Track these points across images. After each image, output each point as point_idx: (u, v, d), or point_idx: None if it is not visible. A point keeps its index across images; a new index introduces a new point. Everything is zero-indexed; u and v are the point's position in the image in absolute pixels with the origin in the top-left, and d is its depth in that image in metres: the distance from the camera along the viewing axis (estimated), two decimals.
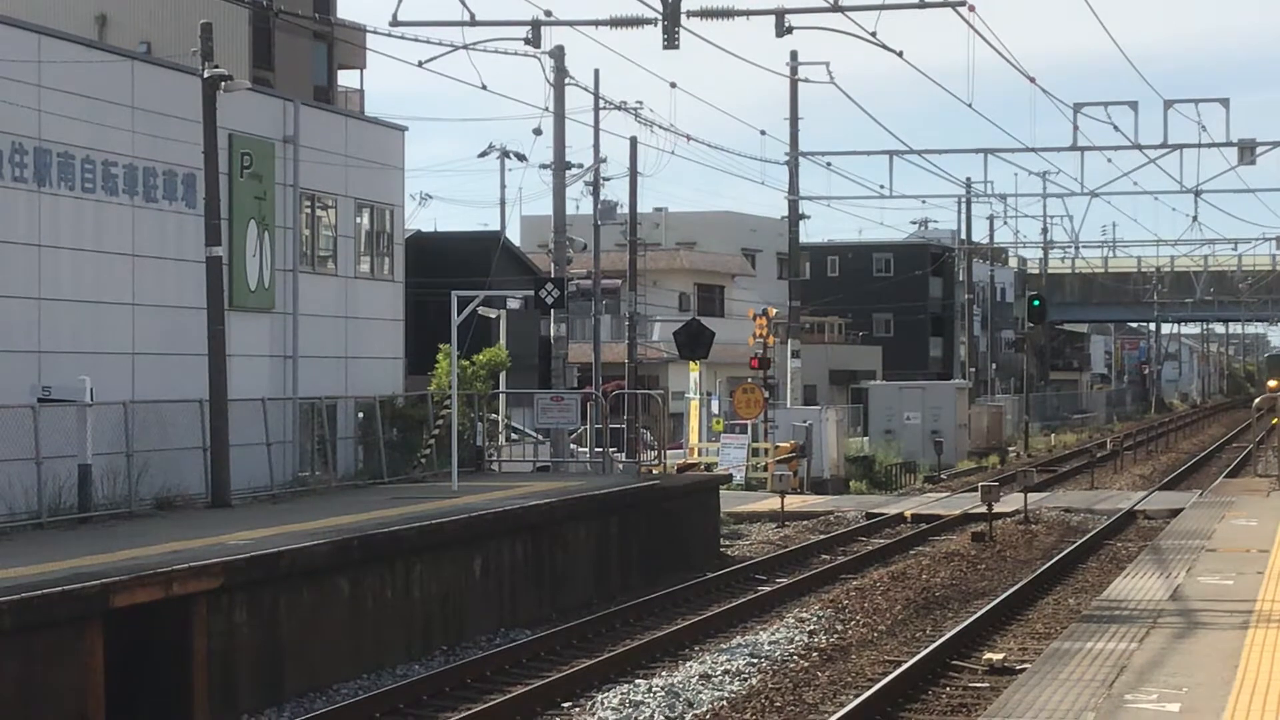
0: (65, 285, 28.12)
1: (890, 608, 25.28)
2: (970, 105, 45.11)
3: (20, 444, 24.12)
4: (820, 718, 17.58)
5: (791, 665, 20.95)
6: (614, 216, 65.48)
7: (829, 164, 57.40)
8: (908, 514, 38.92)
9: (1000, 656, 20.72)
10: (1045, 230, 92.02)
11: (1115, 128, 48.60)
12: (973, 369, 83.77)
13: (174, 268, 30.27)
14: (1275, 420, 48.05)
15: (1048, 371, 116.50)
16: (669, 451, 44.52)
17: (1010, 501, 38.26)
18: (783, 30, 31.76)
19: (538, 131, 54.27)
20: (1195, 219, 77.67)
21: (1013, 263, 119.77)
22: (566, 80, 43.05)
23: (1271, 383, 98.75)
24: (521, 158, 72.02)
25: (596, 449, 40.36)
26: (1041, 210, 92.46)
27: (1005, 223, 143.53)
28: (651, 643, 22.93)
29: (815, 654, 21.69)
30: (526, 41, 37.86)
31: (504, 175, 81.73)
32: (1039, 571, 28.42)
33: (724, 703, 18.70)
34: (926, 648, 21.14)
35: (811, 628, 23.52)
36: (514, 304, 53.24)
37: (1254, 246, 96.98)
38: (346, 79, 63.74)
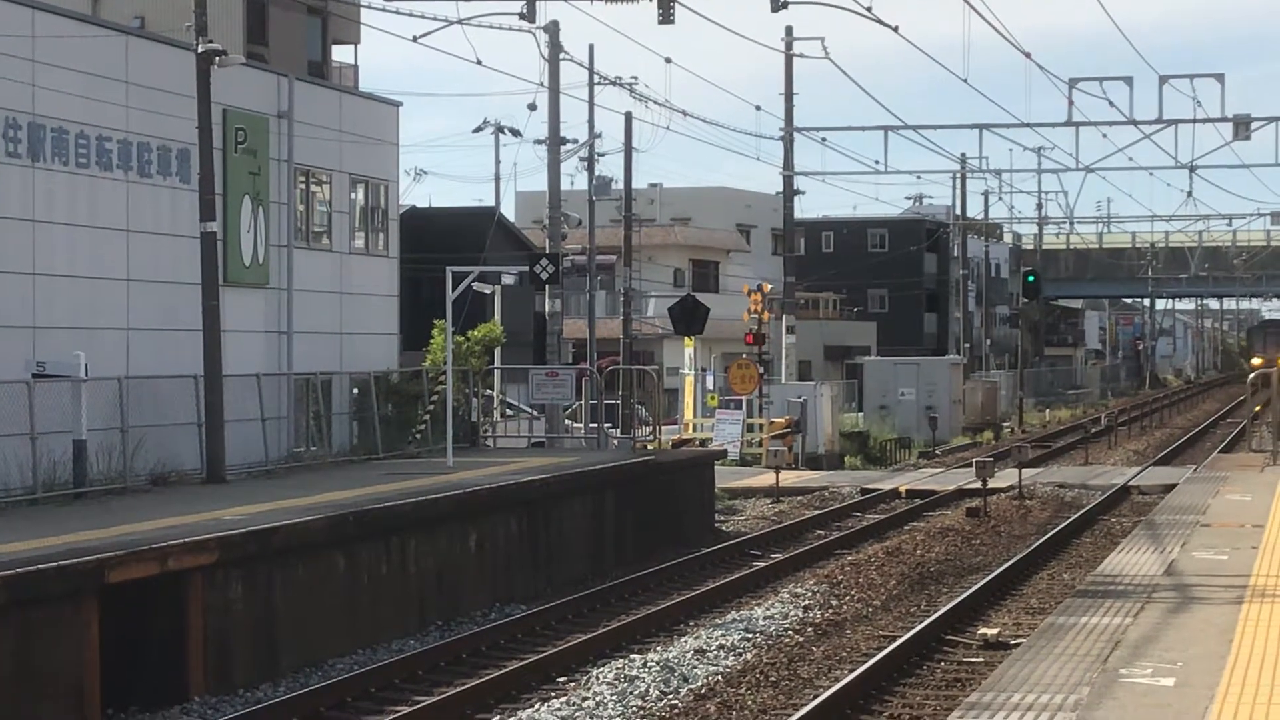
0: (60, 261, 28.08)
1: (885, 583, 25.31)
2: (965, 81, 45.04)
3: (15, 419, 24.10)
4: (815, 692, 17.61)
5: (786, 640, 20.98)
6: (609, 192, 65.43)
7: (824, 139, 57.45)
8: (902, 489, 38.95)
9: (995, 631, 20.75)
10: (1040, 206, 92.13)
11: (1110, 103, 48.64)
12: (967, 345, 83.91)
13: (168, 243, 30.23)
14: (1258, 408, 47.68)
15: (1042, 347, 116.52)
16: (664, 427, 44.56)
17: (1005, 477, 38.29)
18: (778, 5, 31.79)
19: (532, 107, 54.44)
20: (1190, 194, 77.90)
21: (1007, 238, 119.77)
22: (561, 56, 43.03)
23: (1255, 360, 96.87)
24: (516, 133, 72.05)
25: (591, 425, 40.38)
26: (1036, 185, 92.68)
27: (1000, 198, 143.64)
28: (646, 617, 22.96)
29: (810, 629, 21.73)
30: (521, 16, 37.81)
31: (499, 151, 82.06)
32: (1033, 547, 28.45)
33: (719, 677, 18.73)
34: (921, 623, 21.17)
35: (806, 603, 23.56)
36: (509, 279, 53.38)
37: (1249, 222, 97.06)
38: (341, 54, 63.69)
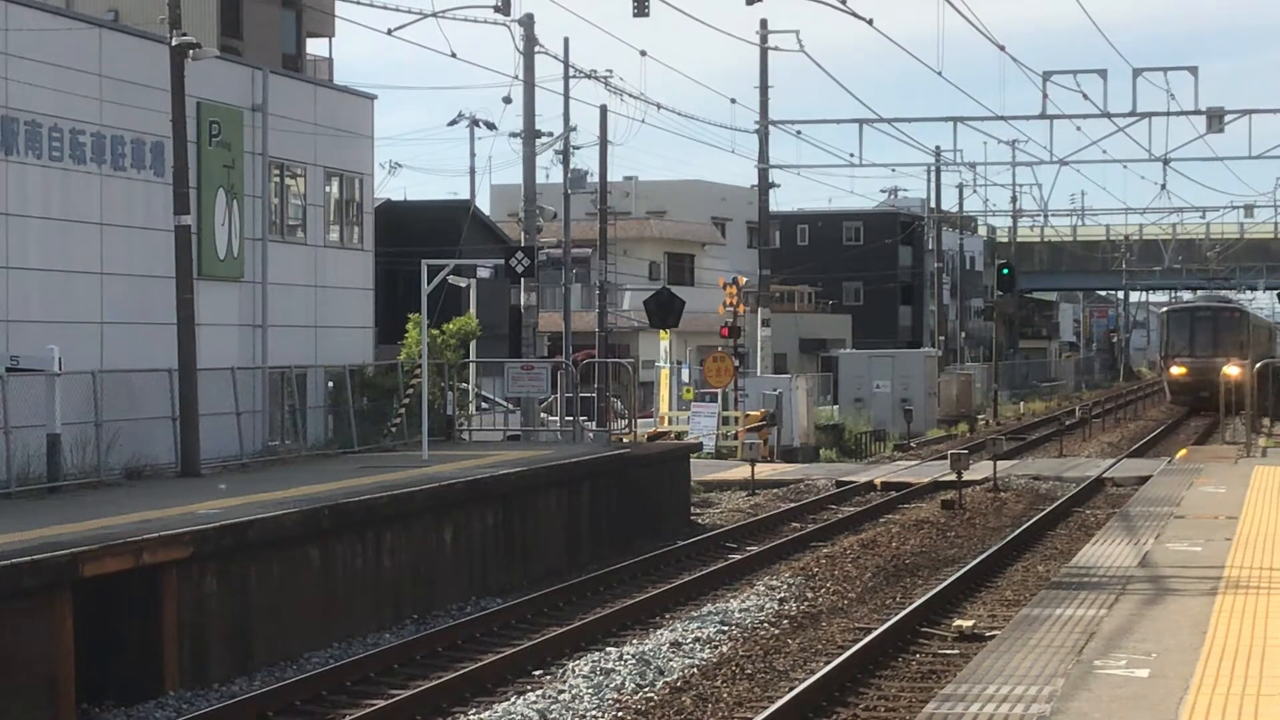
0: (33, 254, 28.00)
1: (860, 575, 25.34)
2: (940, 73, 45.02)
3: None
4: (791, 685, 17.62)
5: (762, 633, 21.00)
6: (584, 185, 65.42)
7: (799, 132, 57.57)
8: (877, 482, 39.00)
9: (970, 623, 20.79)
10: (1014, 198, 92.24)
11: (1084, 96, 48.79)
12: (942, 337, 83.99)
13: (142, 236, 30.16)
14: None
15: (1016, 340, 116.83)
16: (639, 420, 44.56)
17: (979, 469, 38.35)
18: None
19: (507, 100, 54.27)
20: (1164, 187, 77.99)
21: (982, 231, 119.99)
22: (536, 48, 42.96)
23: (1177, 369, 68.24)
24: (491, 126, 72.13)
25: (567, 418, 40.36)
26: (1011, 178, 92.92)
27: (974, 191, 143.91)
28: (622, 611, 22.96)
29: (786, 621, 21.75)
30: (496, 9, 37.77)
31: (473, 144, 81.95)
32: (1008, 539, 28.51)
33: (695, 670, 18.73)
34: (896, 615, 21.21)
35: (782, 595, 23.58)
36: (484, 273, 53.21)
37: (1222, 215, 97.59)
38: (315, 47, 63.56)
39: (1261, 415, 41.58)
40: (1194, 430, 60.67)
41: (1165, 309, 67.11)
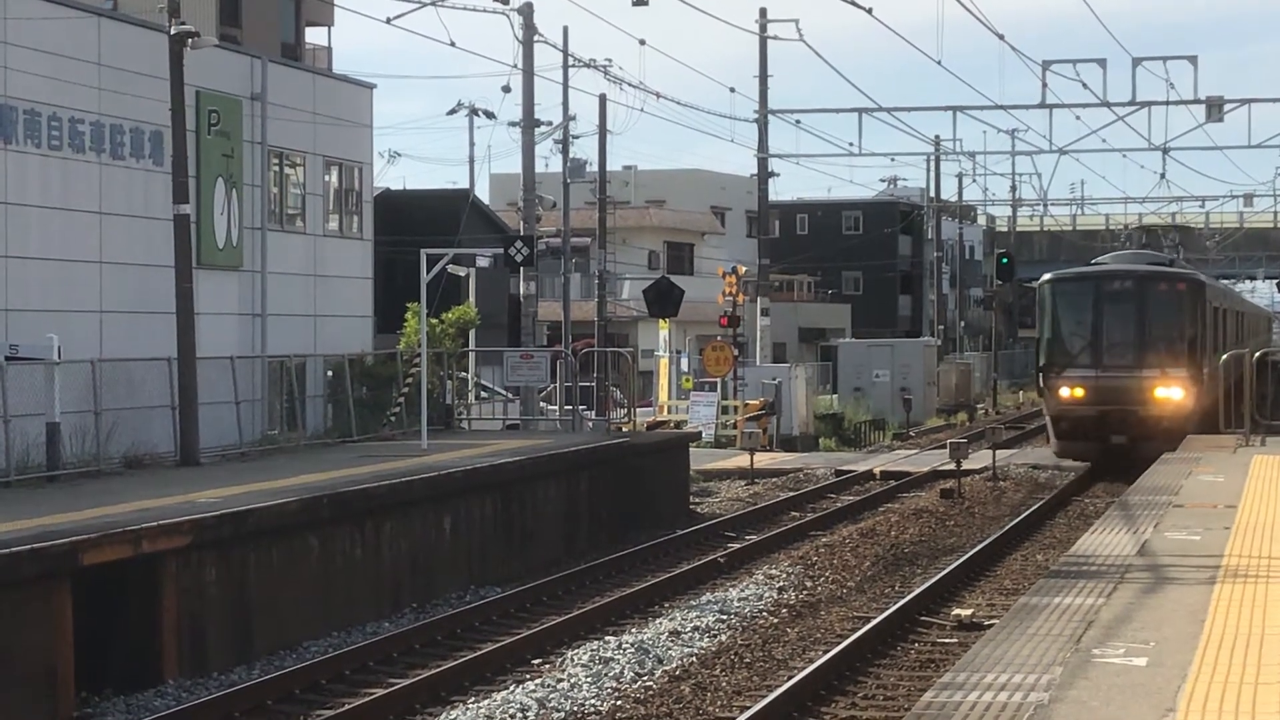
0: (32, 243, 28.00)
1: (859, 564, 25.36)
2: (939, 62, 45.04)
3: None
4: (789, 673, 17.64)
5: (761, 622, 21.02)
6: (583, 174, 65.41)
7: (798, 121, 57.52)
8: (877, 471, 39.00)
9: (969, 612, 20.80)
10: (1014, 188, 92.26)
11: (1084, 85, 48.82)
12: (941, 326, 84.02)
13: (142, 225, 30.16)
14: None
15: (1016, 329, 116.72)
16: (638, 409, 44.56)
17: (978, 458, 38.36)
18: None
19: (506, 89, 54.41)
20: (1163, 176, 77.83)
21: (981, 220, 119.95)
22: (535, 37, 42.93)
23: (1066, 389, 37.87)
24: (490, 115, 72.02)
25: (566, 407, 40.36)
26: (1010, 168, 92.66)
27: (974, 180, 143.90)
28: (621, 599, 22.97)
29: (784, 610, 21.77)
30: None
31: (473, 133, 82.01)
32: (1007, 528, 28.53)
33: (694, 659, 18.75)
34: (895, 604, 21.23)
35: (781, 584, 23.59)
36: (483, 262, 53.30)
37: (1221, 204, 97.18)
38: (314, 36, 63.44)
39: (1260, 408, 41.29)
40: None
41: (1048, 276, 39.23)
